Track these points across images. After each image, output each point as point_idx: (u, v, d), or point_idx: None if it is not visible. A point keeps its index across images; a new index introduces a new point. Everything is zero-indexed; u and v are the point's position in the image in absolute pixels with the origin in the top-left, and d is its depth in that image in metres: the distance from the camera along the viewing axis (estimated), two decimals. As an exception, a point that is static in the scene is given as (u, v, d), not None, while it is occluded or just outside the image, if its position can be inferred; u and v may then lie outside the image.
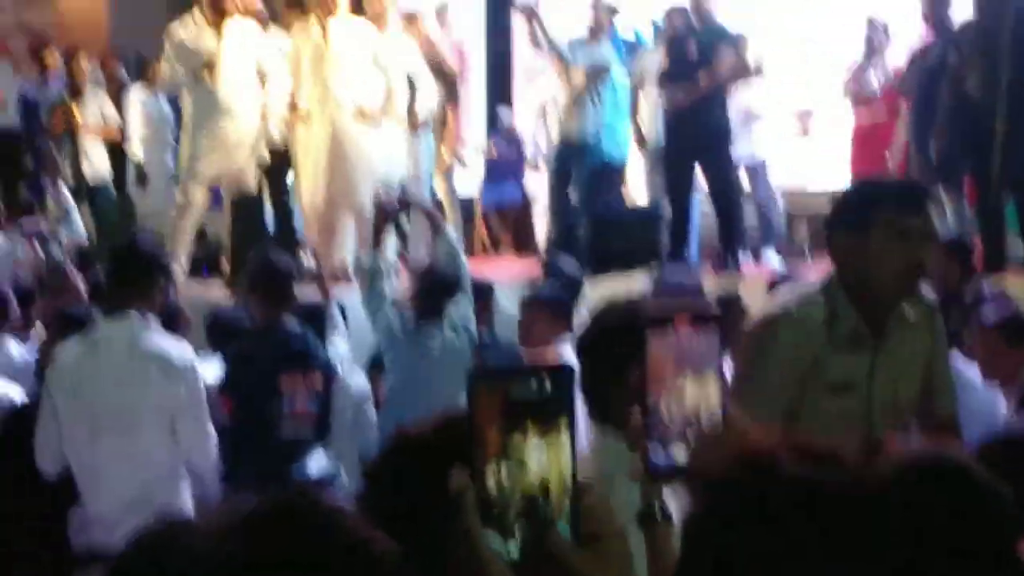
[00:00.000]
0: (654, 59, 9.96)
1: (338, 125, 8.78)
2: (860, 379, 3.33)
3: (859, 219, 3.32)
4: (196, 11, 8.71)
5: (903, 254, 3.25)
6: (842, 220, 3.38)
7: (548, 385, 1.90)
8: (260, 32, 8.90)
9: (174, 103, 10.53)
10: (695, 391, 2.04)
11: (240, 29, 8.74)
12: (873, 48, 9.96)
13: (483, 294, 6.55)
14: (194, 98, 8.85)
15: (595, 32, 9.91)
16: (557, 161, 10.13)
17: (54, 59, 10.39)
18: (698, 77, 9.06)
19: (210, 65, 8.55)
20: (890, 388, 3.37)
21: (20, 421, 4.77)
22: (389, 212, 6.57)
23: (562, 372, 1.96)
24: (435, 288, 6.06)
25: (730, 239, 9.22)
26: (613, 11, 10.33)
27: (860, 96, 9.92)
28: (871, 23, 10.34)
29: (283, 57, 8.91)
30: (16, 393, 5.06)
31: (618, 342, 2.85)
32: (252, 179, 8.94)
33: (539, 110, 11.53)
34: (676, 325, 2.02)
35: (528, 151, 11.93)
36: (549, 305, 5.94)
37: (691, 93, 9.06)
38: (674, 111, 9.27)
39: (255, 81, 8.83)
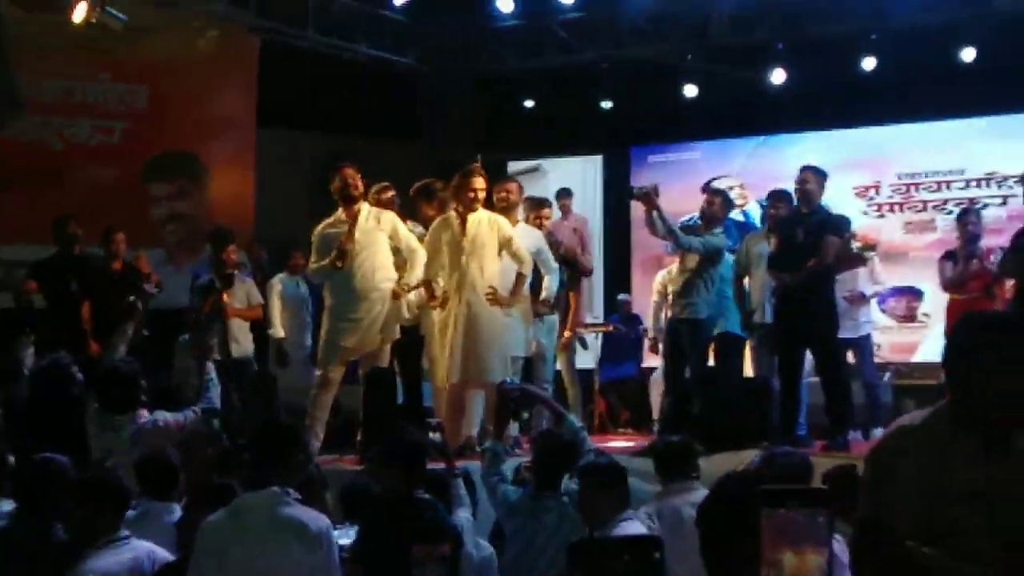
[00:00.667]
0: (761, 241, 10.10)
1: (473, 308, 9.02)
2: (985, 490, 3.25)
3: (972, 344, 3.31)
4: (340, 210, 9.12)
5: (1017, 376, 3.23)
6: (957, 346, 3.37)
7: (640, 556, 2.02)
8: (393, 219, 9.25)
9: (312, 286, 10.91)
10: (794, 565, 2.16)
11: (373, 217, 9.10)
12: (968, 233, 10.07)
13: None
14: (332, 283, 9.21)
15: (709, 218, 10.06)
16: (671, 339, 10.23)
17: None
18: (805, 261, 9.17)
19: (343, 253, 8.92)
20: (1016, 510, 3.27)
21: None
22: (510, 403, 6.76)
23: (651, 544, 2.08)
24: (553, 461, 6.19)
25: (839, 418, 9.22)
26: (727, 198, 10.52)
27: (957, 280, 10.01)
28: (966, 210, 10.50)
29: (417, 243, 9.22)
30: (161, 554, 5.23)
31: (734, 515, 2.91)
32: (386, 357, 9.22)
33: (657, 290, 11.68)
34: (788, 506, 2.13)
35: (650, 331, 12.07)
36: (603, 474, 5.96)
37: (798, 277, 9.15)
38: (782, 293, 9.35)
39: (388, 265, 9.16)
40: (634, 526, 5.46)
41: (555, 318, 10.39)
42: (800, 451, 6.42)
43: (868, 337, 10.59)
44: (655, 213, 9.76)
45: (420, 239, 9.35)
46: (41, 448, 5.49)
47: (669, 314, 10.71)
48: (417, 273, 9.14)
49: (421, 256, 9.16)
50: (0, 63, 9.06)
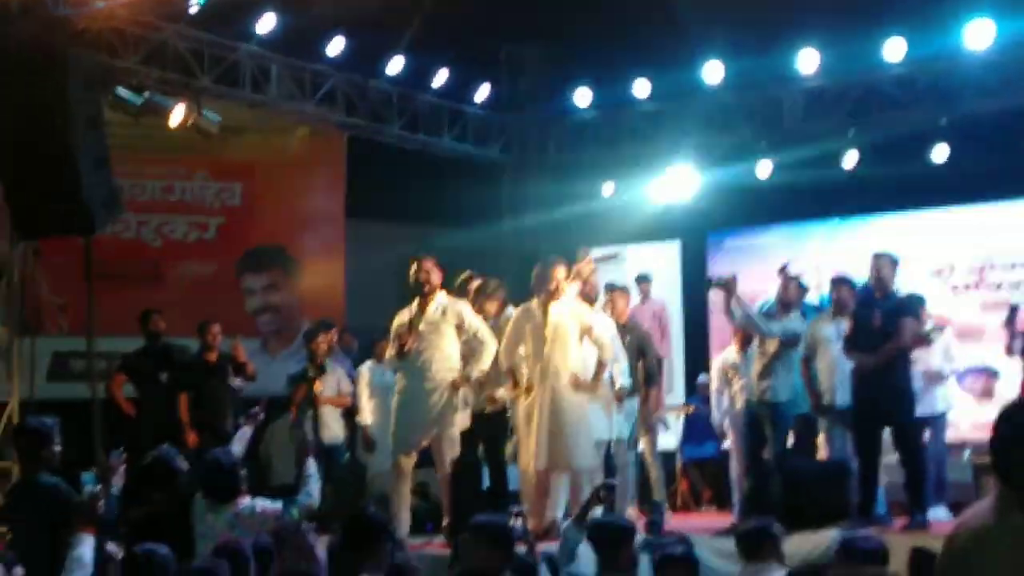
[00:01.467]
0: (827, 324, 10.06)
1: (557, 394, 9.07)
2: None
3: (1011, 433, 3.18)
4: (416, 299, 9.25)
5: None
6: (999, 436, 3.21)
7: None
8: (462, 309, 9.30)
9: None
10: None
11: (441, 308, 9.20)
12: None
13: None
14: (399, 373, 9.35)
15: (785, 303, 10.10)
16: (749, 422, 10.22)
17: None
18: (881, 343, 9.19)
19: (401, 345, 9.04)
20: None
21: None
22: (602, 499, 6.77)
23: None
24: (612, 543, 6.18)
25: (918, 497, 9.19)
26: (801, 284, 10.54)
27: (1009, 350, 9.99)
28: None
29: (487, 334, 9.29)
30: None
31: None
32: (453, 445, 9.25)
33: (716, 376, 11.60)
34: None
35: (713, 414, 11.93)
36: (680, 566, 5.94)
37: (877, 360, 9.18)
38: (861, 376, 9.36)
39: (452, 356, 9.23)
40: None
41: (635, 402, 10.41)
42: (876, 537, 6.39)
43: (943, 415, 10.52)
44: (733, 302, 9.83)
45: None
46: (146, 538, 5.58)
47: (738, 398, 10.72)
48: (483, 364, 9.21)
49: (489, 347, 9.22)
50: (104, 167, 9.30)
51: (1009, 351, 10.16)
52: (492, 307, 9.74)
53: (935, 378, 10.42)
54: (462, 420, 9.27)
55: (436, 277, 9.23)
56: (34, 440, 6.84)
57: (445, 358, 9.18)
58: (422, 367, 9.13)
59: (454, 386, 9.14)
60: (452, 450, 9.21)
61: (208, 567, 5.11)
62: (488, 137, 15.42)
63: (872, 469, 9.33)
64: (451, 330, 9.19)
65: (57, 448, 6.64)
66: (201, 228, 13.87)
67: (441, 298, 9.24)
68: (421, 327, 9.13)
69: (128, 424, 10.60)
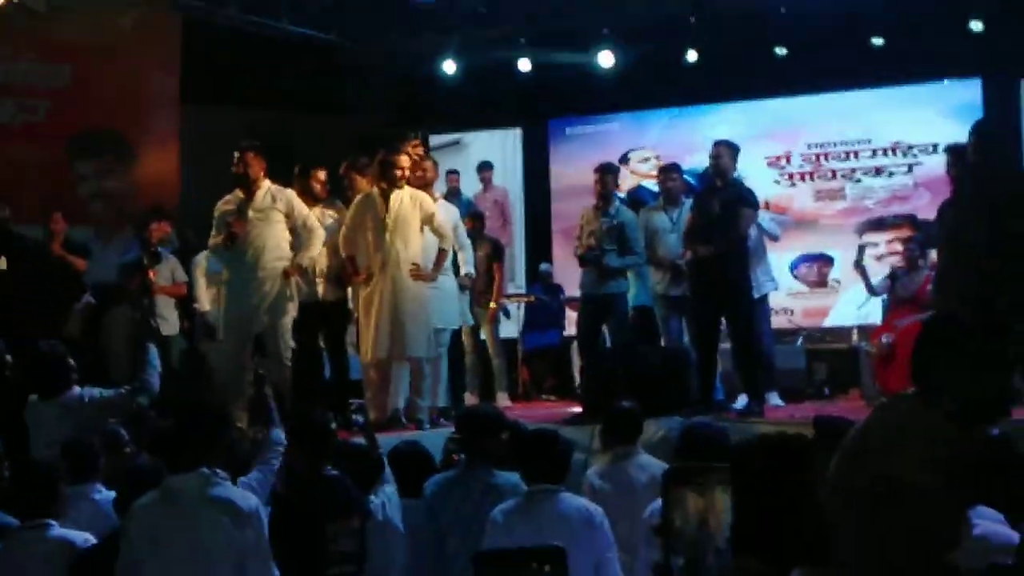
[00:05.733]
0: (659, 212, 10.15)
1: (397, 283, 9.02)
2: None
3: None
4: (237, 189, 9.01)
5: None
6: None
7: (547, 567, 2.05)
8: (291, 197, 9.08)
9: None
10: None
11: (271, 195, 8.98)
12: (911, 262, 10.35)
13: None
14: (226, 262, 9.15)
15: (603, 197, 10.04)
16: (584, 312, 10.24)
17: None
18: (721, 233, 9.21)
19: (231, 234, 8.83)
20: None
21: (87, 565, 4.91)
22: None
23: (556, 553, 2.11)
24: (475, 429, 6.15)
25: (753, 385, 9.33)
26: (615, 172, 10.43)
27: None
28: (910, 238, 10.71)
29: (315, 223, 9.13)
30: (80, 538, 5.13)
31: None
32: (288, 335, 9.05)
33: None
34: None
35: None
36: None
37: (715, 249, 9.18)
38: (698, 264, 9.39)
39: (282, 245, 9.01)
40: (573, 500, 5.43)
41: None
42: (716, 423, 6.53)
43: (765, 298, 10.41)
44: None
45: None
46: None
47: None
48: (311, 252, 9.07)
49: (318, 235, 9.08)
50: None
51: (870, 290, 10.44)
52: (364, 183, 9.53)
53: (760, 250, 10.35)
54: (292, 309, 9.09)
55: (257, 168, 8.95)
56: None
57: (276, 247, 8.95)
58: (253, 256, 8.89)
59: (286, 275, 8.94)
60: (285, 340, 9.02)
61: (35, 462, 4.95)
62: (328, 20, 15.04)
63: (710, 357, 9.44)
64: (280, 218, 8.96)
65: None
66: (29, 111, 13.31)
67: (268, 186, 9.00)
68: (250, 215, 8.88)
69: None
